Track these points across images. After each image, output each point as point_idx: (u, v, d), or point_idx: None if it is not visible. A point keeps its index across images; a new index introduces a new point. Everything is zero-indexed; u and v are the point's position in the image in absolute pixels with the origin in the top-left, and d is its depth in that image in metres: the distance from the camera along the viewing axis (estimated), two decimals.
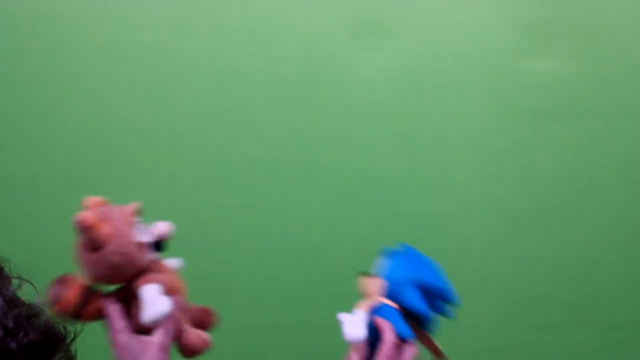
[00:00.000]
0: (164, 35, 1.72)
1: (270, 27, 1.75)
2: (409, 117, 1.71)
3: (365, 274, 1.11)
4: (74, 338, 0.63)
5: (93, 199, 1.05)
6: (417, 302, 1.06)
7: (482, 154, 1.71)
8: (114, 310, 0.93)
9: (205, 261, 1.71)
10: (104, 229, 0.97)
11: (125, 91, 1.70)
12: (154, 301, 0.90)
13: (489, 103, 1.74)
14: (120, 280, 0.98)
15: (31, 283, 0.75)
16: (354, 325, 1.01)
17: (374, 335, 1.05)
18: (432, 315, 1.06)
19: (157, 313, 0.89)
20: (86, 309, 0.96)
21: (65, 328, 0.62)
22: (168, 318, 0.94)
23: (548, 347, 1.74)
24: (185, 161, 1.67)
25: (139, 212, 1.03)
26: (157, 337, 0.89)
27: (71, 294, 0.95)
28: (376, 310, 1.04)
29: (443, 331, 1.83)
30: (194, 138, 1.67)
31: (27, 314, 0.58)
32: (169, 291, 0.98)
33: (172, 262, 1.10)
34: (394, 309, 1.06)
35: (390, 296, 1.07)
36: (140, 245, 0.98)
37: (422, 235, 1.70)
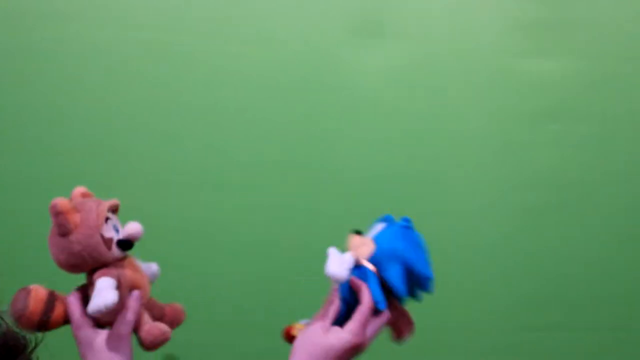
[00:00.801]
0: (163, 34, 1.72)
1: (269, 26, 1.75)
2: (409, 117, 1.71)
3: (358, 232, 1.09)
4: (35, 347, 0.63)
5: (77, 189, 1.04)
6: (399, 282, 1.05)
7: (481, 153, 1.71)
8: (74, 306, 0.92)
9: (206, 261, 1.71)
10: (73, 218, 0.96)
11: (125, 90, 1.70)
12: (100, 293, 0.90)
13: (489, 103, 1.74)
14: (81, 270, 0.96)
15: None
16: (340, 263, 0.99)
17: (346, 292, 1.03)
18: (405, 297, 1.04)
19: (100, 304, 0.88)
20: (51, 316, 0.94)
21: (25, 337, 0.61)
22: (116, 309, 0.93)
23: (548, 347, 1.74)
24: (185, 160, 1.66)
25: (114, 208, 1.03)
26: (115, 327, 0.88)
27: (34, 304, 0.93)
28: (357, 270, 1.02)
29: (443, 331, 1.84)
30: (194, 138, 1.66)
31: None
32: (128, 286, 0.97)
33: (146, 266, 1.09)
34: (375, 275, 1.05)
35: (375, 262, 1.04)
36: (106, 240, 0.97)
37: (420, 235, 1.70)
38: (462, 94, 1.75)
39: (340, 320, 1.03)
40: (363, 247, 1.05)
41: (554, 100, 1.76)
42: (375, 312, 1.02)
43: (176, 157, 1.67)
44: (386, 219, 1.12)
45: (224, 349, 1.66)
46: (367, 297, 1.00)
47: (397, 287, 1.05)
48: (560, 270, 1.78)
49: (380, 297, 1.02)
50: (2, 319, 0.60)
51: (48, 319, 0.91)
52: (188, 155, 1.67)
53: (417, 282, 1.07)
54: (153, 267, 1.18)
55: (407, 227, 1.08)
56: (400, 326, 1.09)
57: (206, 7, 1.75)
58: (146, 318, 1.02)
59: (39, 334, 0.82)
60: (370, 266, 1.04)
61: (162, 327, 1.02)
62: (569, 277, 1.78)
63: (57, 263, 0.99)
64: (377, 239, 1.07)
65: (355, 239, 1.09)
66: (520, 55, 1.77)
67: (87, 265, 0.98)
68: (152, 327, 1.00)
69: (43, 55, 1.68)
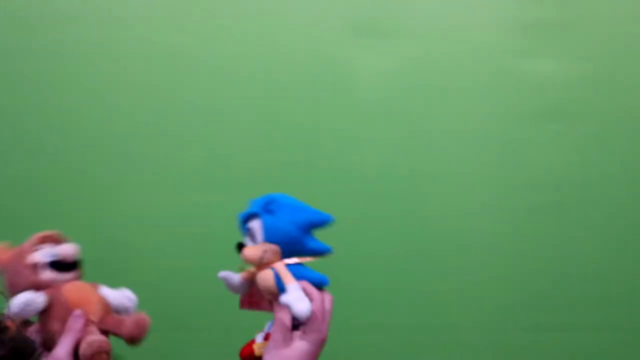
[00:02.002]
0: (164, 34, 1.72)
1: (269, 27, 1.75)
2: (409, 117, 1.71)
3: (242, 245, 1.05)
4: (42, 352, 0.62)
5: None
6: (321, 245, 1.06)
7: (481, 153, 1.71)
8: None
9: (205, 261, 1.71)
10: (3, 256, 1.07)
11: (125, 90, 1.70)
12: (21, 298, 0.97)
13: (489, 103, 1.74)
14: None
15: (3, 294, 0.75)
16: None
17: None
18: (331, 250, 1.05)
19: (20, 302, 0.94)
20: None
21: (33, 342, 0.61)
22: (54, 331, 0.97)
23: (548, 347, 1.74)
24: (186, 161, 1.66)
25: (45, 239, 1.08)
26: (56, 350, 0.85)
27: None
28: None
29: (443, 331, 1.83)
30: (194, 138, 1.66)
31: None
32: (67, 305, 1.01)
33: (114, 292, 1.09)
34: (299, 265, 1.04)
35: (288, 254, 1.03)
36: (34, 265, 1.05)
37: (421, 235, 1.70)
38: (462, 94, 1.75)
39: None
40: (270, 254, 1.02)
41: (554, 100, 1.76)
42: (319, 288, 1.00)
43: (176, 157, 1.67)
44: (254, 213, 1.06)
45: (227, 350, 1.66)
46: (316, 293, 0.98)
47: (323, 250, 1.05)
48: (560, 270, 1.78)
49: (317, 276, 1.01)
50: (12, 323, 0.60)
51: None
52: (188, 155, 1.67)
53: (318, 226, 1.07)
54: (121, 295, 1.15)
55: (271, 207, 1.05)
56: None
57: (206, 7, 1.75)
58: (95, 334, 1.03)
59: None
60: (291, 261, 1.01)
61: (99, 338, 1.02)
62: (569, 277, 1.78)
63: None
64: (268, 237, 1.03)
65: (251, 251, 1.05)
66: (520, 55, 1.77)
67: (19, 288, 1.05)
68: (91, 339, 1.00)
69: (43, 55, 1.68)
